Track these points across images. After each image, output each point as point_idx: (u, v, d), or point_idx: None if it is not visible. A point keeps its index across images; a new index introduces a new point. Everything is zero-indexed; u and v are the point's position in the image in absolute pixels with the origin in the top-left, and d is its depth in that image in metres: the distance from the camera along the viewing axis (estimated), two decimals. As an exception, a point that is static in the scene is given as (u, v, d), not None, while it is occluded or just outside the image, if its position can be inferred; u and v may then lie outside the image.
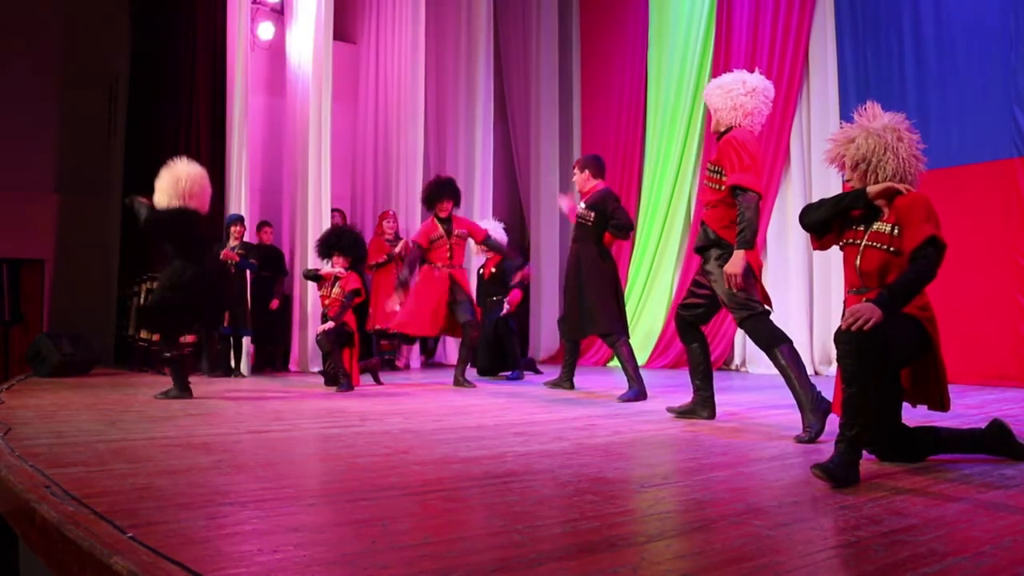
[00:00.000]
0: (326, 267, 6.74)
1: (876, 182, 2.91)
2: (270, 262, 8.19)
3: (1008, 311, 6.01)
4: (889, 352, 2.70)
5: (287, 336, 8.39)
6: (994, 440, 2.99)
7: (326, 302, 6.58)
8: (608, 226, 5.50)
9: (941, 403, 2.87)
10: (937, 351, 2.84)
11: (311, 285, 8.05)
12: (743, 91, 4.00)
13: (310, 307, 8.07)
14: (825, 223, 3.03)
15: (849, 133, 3.01)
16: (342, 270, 6.57)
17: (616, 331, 5.30)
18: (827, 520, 2.19)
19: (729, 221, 3.91)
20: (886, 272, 2.85)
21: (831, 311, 7.19)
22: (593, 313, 5.33)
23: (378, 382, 6.68)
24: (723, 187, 3.92)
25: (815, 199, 7.37)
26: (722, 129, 4.05)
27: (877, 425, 2.85)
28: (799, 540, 2.00)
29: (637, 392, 5.06)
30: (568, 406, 4.99)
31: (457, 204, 6.74)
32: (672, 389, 5.55)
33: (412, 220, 8.97)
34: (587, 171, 5.65)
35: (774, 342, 3.80)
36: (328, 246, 6.70)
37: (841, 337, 2.64)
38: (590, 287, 5.37)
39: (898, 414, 2.95)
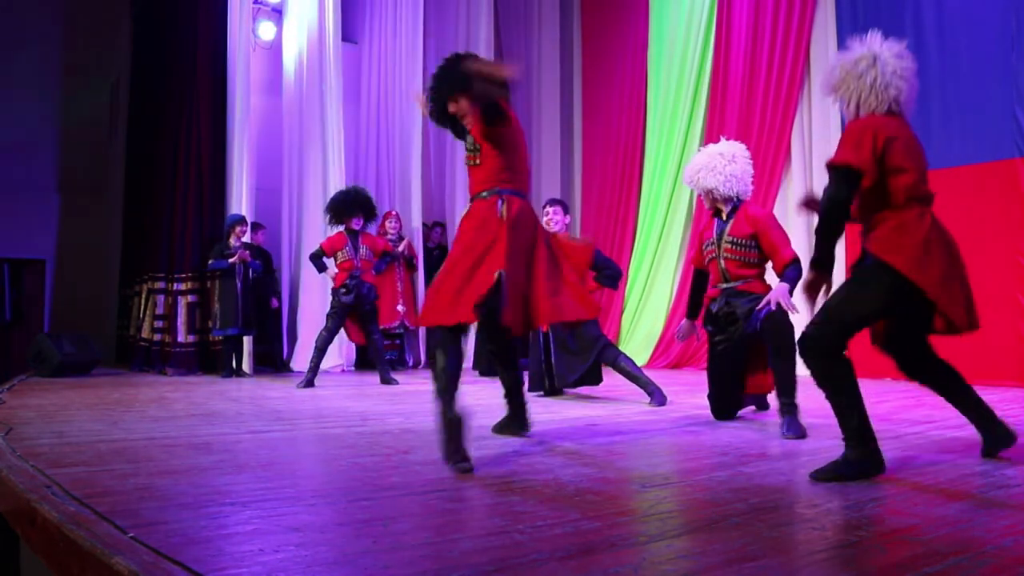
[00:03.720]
0: (333, 232, 7.05)
1: (850, 112, 2.87)
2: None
3: (1008, 311, 6.01)
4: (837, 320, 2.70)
5: (289, 336, 8.41)
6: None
7: (354, 264, 6.73)
8: (597, 277, 5.54)
9: (969, 322, 2.75)
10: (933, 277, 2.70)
11: (307, 284, 8.11)
12: (725, 161, 4.15)
13: (300, 309, 8.16)
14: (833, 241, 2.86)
15: (833, 61, 2.98)
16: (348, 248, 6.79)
17: (609, 354, 5.33)
18: (827, 520, 2.20)
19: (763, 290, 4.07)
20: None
21: (832, 311, 7.18)
22: (588, 353, 5.37)
23: None
24: (756, 260, 4.10)
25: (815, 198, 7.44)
26: (722, 205, 4.19)
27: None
28: (800, 540, 2.01)
29: (660, 393, 5.04)
30: (569, 406, 4.99)
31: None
32: (674, 389, 5.54)
33: (415, 220, 8.98)
34: (561, 208, 5.64)
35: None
36: (347, 205, 6.83)
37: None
38: (585, 335, 5.36)
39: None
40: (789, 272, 3.99)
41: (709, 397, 4.30)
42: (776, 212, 7.81)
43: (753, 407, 4.46)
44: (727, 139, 4.44)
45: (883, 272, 2.69)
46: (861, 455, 2.65)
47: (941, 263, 2.68)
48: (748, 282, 4.11)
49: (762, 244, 4.09)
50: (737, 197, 4.18)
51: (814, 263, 2.72)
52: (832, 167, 2.73)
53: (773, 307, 3.86)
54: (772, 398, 4.34)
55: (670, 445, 3.53)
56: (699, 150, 4.46)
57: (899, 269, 2.65)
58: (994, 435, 2.90)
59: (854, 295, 2.76)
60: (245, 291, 7.36)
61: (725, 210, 4.20)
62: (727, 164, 4.15)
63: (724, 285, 4.17)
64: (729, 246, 4.14)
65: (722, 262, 4.16)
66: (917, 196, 2.74)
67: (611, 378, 5.59)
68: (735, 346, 4.14)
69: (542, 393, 5.65)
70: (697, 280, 4.41)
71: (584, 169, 10.15)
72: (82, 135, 9.54)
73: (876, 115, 2.79)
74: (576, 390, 5.74)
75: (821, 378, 2.72)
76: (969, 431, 3.67)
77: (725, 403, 4.24)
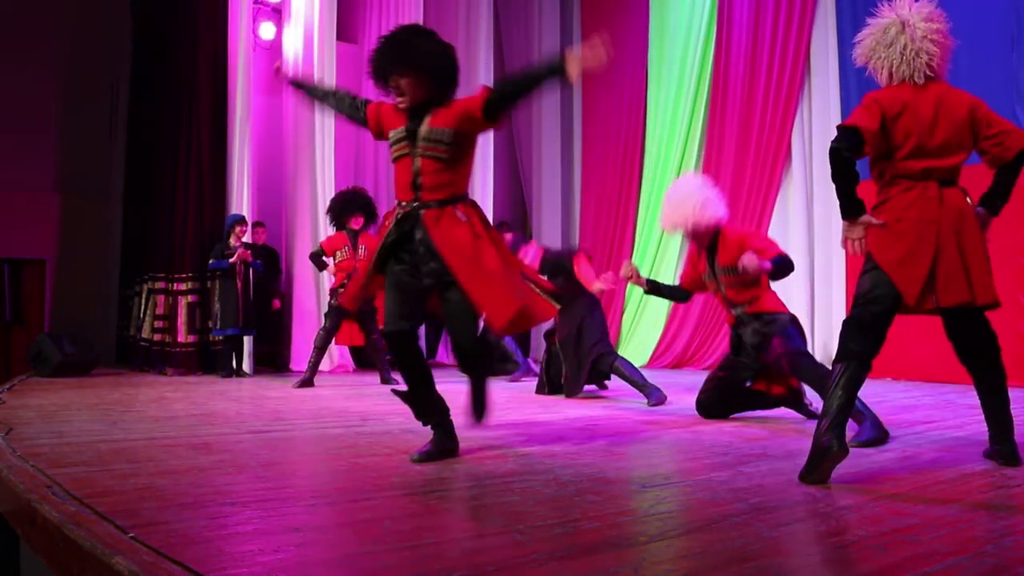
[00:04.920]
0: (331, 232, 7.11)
1: (883, 82, 2.87)
2: (265, 262, 8.20)
3: (1009, 311, 6.00)
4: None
5: (286, 335, 8.40)
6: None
7: (352, 264, 6.71)
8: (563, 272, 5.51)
9: (918, 302, 2.73)
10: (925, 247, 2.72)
11: (300, 283, 8.11)
12: (689, 193, 4.15)
13: (294, 309, 8.17)
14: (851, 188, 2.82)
15: (864, 30, 2.94)
16: (348, 246, 6.76)
17: (605, 361, 5.36)
18: (828, 520, 2.20)
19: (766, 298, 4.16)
20: None
21: (832, 310, 7.19)
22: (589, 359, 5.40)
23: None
24: (752, 279, 4.05)
25: (816, 198, 7.46)
26: (705, 238, 4.16)
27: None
28: (799, 540, 2.01)
29: (658, 392, 5.04)
30: (569, 406, 4.99)
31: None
32: (674, 389, 5.54)
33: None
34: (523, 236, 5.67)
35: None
36: (347, 205, 6.86)
37: None
38: (587, 340, 5.39)
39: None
40: (775, 259, 3.97)
41: (702, 396, 4.30)
42: (776, 212, 7.84)
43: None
44: (702, 171, 4.47)
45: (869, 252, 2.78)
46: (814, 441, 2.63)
47: (905, 241, 2.70)
48: (755, 303, 4.09)
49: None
50: (717, 223, 4.13)
51: (842, 215, 2.76)
52: (841, 127, 2.75)
53: (746, 266, 3.86)
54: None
55: (670, 445, 3.53)
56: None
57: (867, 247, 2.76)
58: (999, 451, 2.88)
59: (859, 275, 2.81)
60: (245, 291, 7.36)
61: (707, 241, 4.19)
62: (690, 195, 4.12)
63: (735, 312, 4.17)
64: (724, 275, 4.13)
65: (723, 291, 4.17)
66: (906, 173, 2.75)
67: (611, 378, 5.60)
68: (747, 368, 4.20)
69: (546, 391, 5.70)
70: (678, 289, 4.57)
71: (584, 169, 10.14)
72: (82, 135, 9.53)
73: (891, 88, 2.81)
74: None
75: (838, 352, 2.73)
76: (969, 431, 3.69)
77: (715, 406, 4.23)
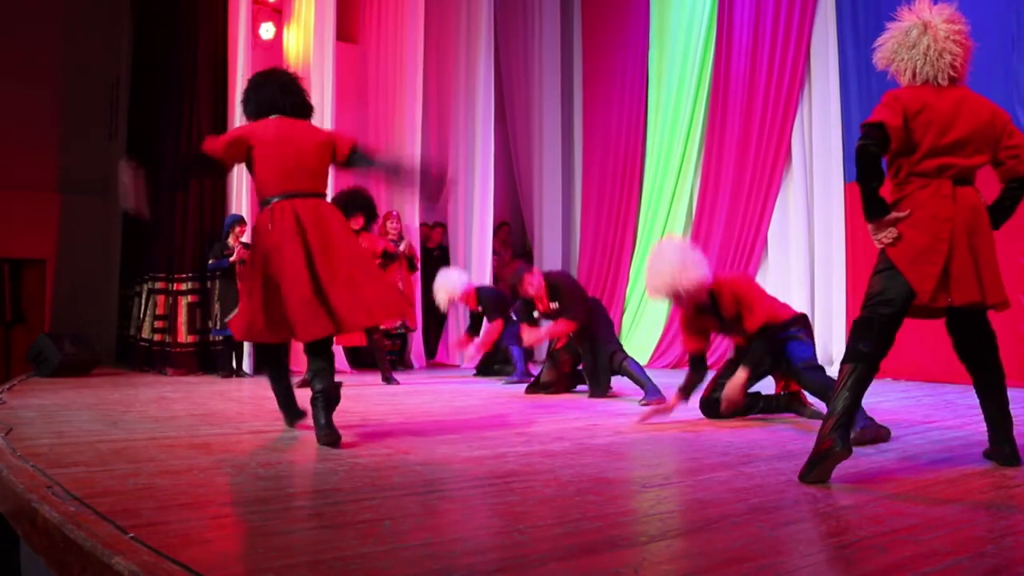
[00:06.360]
0: None
1: (904, 82, 2.86)
2: None
3: (1009, 311, 6.00)
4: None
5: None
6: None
7: None
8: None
9: (932, 298, 2.72)
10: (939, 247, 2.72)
11: None
12: (685, 257, 4.04)
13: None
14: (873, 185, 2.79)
15: (885, 34, 2.93)
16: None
17: (616, 359, 5.38)
18: (828, 520, 2.20)
19: None
20: None
21: (832, 311, 7.18)
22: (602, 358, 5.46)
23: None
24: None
25: (816, 199, 7.46)
26: (688, 296, 4.02)
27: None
28: (800, 540, 2.01)
29: (656, 394, 5.04)
30: (569, 407, 4.99)
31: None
32: (675, 389, 5.53)
33: (415, 220, 8.98)
34: (527, 268, 5.64)
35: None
36: (347, 205, 6.83)
37: None
38: (603, 338, 5.46)
39: None
40: (754, 347, 3.98)
41: (706, 395, 4.29)
42: (776, 212, 7.84)
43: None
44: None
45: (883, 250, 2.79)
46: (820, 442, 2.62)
47: (920, 238, 2.70)
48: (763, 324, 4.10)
49: (741, 308, 4.05)
50: (701, 286, 4.02)
51: (866, 216, 2.76)
52: (865, 124, 2.74)
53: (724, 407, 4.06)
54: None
55: (670, 445, 3.53)
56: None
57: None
58: (999, 452, 2.88)
59: (871, 276, 2.81)
60: None
61: (707, 301, 4.13)
62: (670, 260, 4.00)
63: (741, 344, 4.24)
64: (734, 328, 4.16)
65: (736, 338, 4.24)
66: (922, 171, 2.75)
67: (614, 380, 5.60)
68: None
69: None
70: (696, 365, 4.29)
71: (584, 169, 10.14)
72: (82, 135, 9.54)
73: (912, 87, 2.80)
74: (575, 389, 5.77)
75: (846, 353, 2.73)
76: (969, 431, 3.69)
77: (719, 407, 4.23)
